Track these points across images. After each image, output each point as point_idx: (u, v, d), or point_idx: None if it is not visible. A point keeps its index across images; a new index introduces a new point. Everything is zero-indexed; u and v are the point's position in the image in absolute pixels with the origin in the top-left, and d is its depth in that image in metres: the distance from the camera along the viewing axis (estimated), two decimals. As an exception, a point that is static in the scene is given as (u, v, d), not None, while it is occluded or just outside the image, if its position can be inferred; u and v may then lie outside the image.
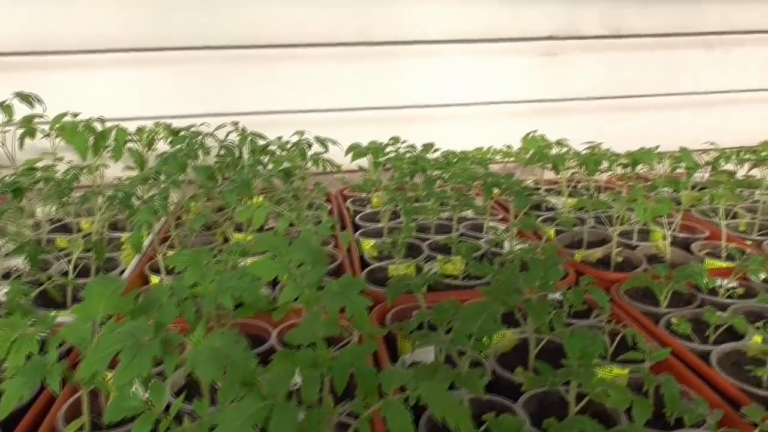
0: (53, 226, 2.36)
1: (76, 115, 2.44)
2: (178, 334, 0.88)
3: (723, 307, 1.74)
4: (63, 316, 1.17)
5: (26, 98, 2.34)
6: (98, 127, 2.44)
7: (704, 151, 3.03)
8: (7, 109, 2.29)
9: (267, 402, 0.69)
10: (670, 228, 2.20)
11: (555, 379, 1.15)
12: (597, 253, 2.18)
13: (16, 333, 0.95)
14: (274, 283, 1.84)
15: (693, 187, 2.70)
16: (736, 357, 1.53)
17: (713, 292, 1.85)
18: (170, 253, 1.89)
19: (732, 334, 1.60)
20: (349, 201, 2.82)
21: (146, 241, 1.90)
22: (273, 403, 0.68)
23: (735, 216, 2.54)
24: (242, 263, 1.56)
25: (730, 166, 2.78)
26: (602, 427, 1.03)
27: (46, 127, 2.45)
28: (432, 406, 0.77)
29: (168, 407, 0.89)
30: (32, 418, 1.20)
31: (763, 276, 1.89)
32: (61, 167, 2.29)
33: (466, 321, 1.11)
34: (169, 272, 1.80)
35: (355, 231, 2.40)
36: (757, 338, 1.55)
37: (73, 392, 1.25)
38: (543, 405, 1.30)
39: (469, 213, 2.54)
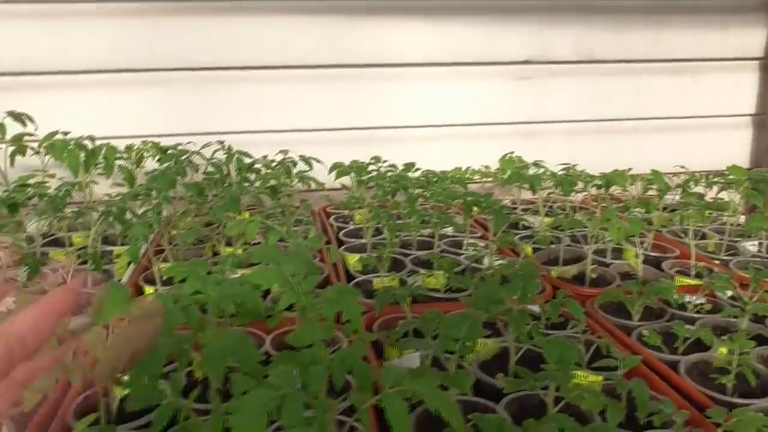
0: (45, 240, 2.40)
1: (66, 134, 2.49)
2: (188, 335, 0.95)
3: (691, 321, 1.84)
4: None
5: (18, 117, 2.39)
6: (89, 145, 2.49)
7: (675, 173, 3.16)
8: (1, 128, 2.35)
9: (278, 392, 0.76)
10: (642, 247, 2.30)
11: (534, 382, 1.23)
12: (572, 269, 2.27)
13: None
14: (264, 293, 1.91)
15: (664, 209, 2.82)
16: (703, 367, 1.62)
17: (682, 307, 1.94)
18: (164, 265, 1.94)
19: (699, 346, 1.69)
20: (332, 218, 2.89)
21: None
22: (284, 393, 0.76)
23: (704, 237, 2.66)
24: (235, 275, 1.62)
25: (699, 189, 2.90)
26: (578, 425, 1.11)
27: (36, 145, 2.50)
28: (427, 400, 0.84)
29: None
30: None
31: (729, 293, 1.99)
32: (53, 183, 2.34)
33: (452, 327, 1.19)
34: (164, 283, 1.86)
35: (339, 246, 2.47)
36: (723, 350, 1.64)
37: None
38: (523, 407, 1.38)
39: (449, 230, 2.62)
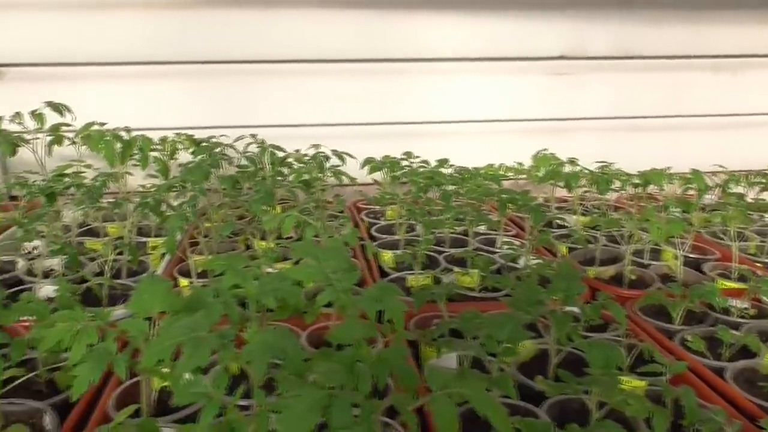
0: (81, 229, 2.42)
1: (102, 125, 2.50)
2: (231, 330, 0.93)
3: (735, 327, 1.78)
4: (117, 312, 1.23)
5: (56, 107, 2.41)
6: (124, 136, 2.50)
7: (713, 173, 3.08)
8: (39, 117, 2.37)
9: (327, 391, 0.73)
10: (681, 248, 2.24)
11: (578, 386, 1.19)
12: (610, 270, 2.22)
13: (79, 325, 1.01)
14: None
15: (703, 209, 2.75)
16: (750, 374, 1.57)
17: (726, 311, 1.89)
18: (197, 257, 1.94)
19: (745, 352, 1.64)
20: (363, 213, 2.87)
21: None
22: (333, 393, 0.73)
23: (745, 239, 2.59)
24: (270, 269, 1.61)
25: (739, 189, 2.82)
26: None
27: (72, 135, 2.52)
28: (475, 403, 0.82)
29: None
30: (85, 403, 1.26)
31: (775, 297, 1.92)
32: (89, 174, 2.36)
33: (496, 328, 1.16)
34: (199, 275, 1.85)
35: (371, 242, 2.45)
36: (771, 356, 1.59)
37: (119, 382, 1.31)
38: (564, 411, 1.34)
39: (482, 228, 2.59)
